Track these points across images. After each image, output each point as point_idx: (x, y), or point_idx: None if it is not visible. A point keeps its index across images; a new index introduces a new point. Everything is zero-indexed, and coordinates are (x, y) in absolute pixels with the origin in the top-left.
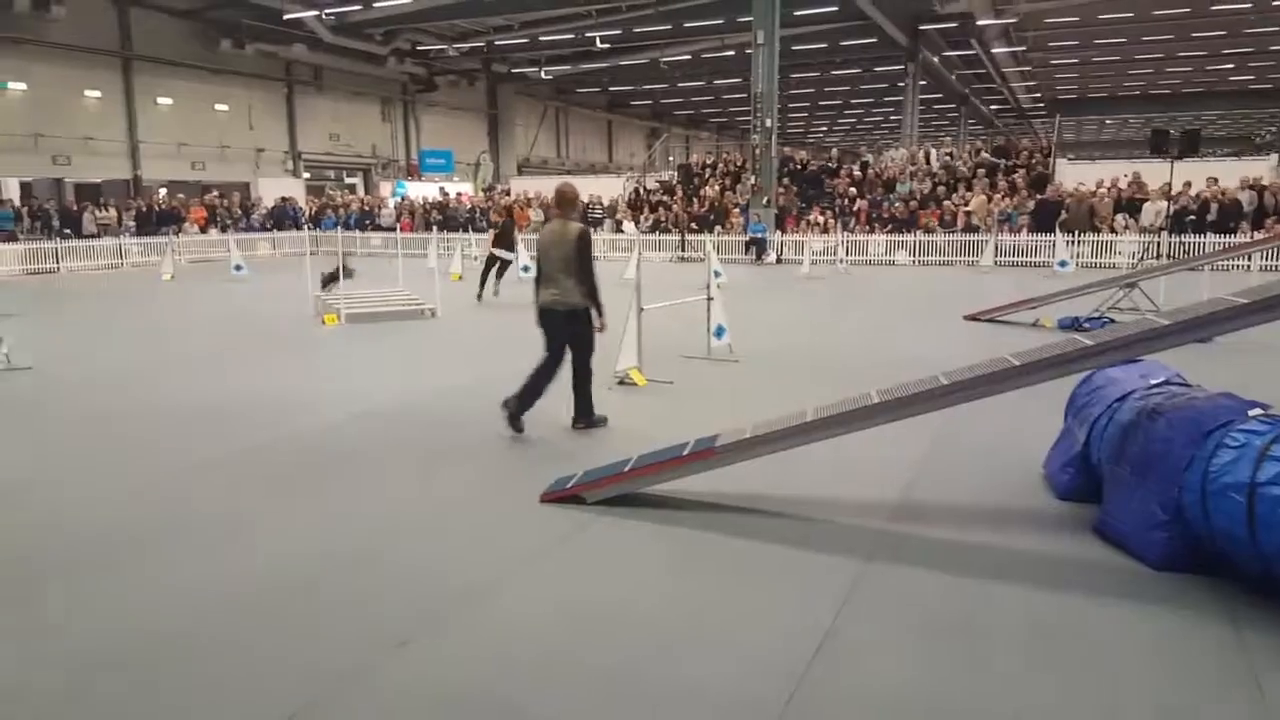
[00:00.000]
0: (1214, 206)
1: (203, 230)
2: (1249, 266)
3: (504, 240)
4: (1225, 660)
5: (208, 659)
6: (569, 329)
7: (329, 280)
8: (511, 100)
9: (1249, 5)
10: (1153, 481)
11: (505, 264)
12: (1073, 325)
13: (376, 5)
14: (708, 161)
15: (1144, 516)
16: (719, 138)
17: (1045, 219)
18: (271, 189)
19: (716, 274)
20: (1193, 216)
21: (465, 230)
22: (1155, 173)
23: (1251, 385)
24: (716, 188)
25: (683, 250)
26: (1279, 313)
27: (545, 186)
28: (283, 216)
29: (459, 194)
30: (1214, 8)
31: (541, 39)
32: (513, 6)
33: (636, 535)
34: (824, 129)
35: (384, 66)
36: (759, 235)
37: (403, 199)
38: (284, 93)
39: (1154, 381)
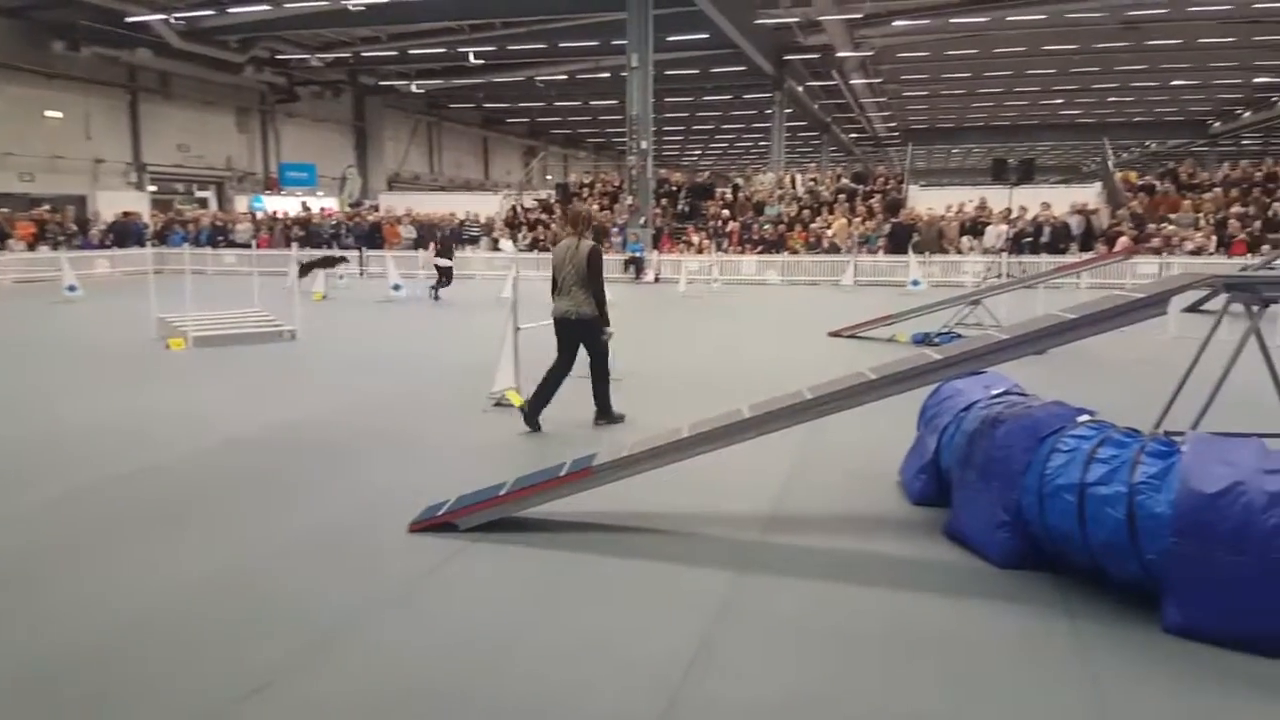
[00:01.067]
0: (1047, 229)
1: (31, 247)
2: (1079, 284)
3: (446, 253)
4: (1063, 651)
5: (41, 718)
6: (580, 337)
7: (311, 267)
8: (380, 113)
9: (1075, 46)
10: (995, 485)
11: (448, 273)
12: (924, 340)
13: (231, 11)
14: (585, 181)
15: (988, 518)
16: (597, 158)
17: (899, 241)
18: (112, 203)
19: None
20: (1029, 238)
21: (330, 247)
22: (997, 198)
23: (1081, 393)
24: (595, 207)
25: None
26: (1104, 326)
27: (417, 203)
28: (125, 233)
29: (323, 209)
30: (1045, 48)
31: (411, 52)
32: (380, 18)
33: (511, 560)
34: (698, 152)
35: (240, 75)
36: (637, 255)
37: (262, 213)
38: (127, 100)
39: (995, 392)
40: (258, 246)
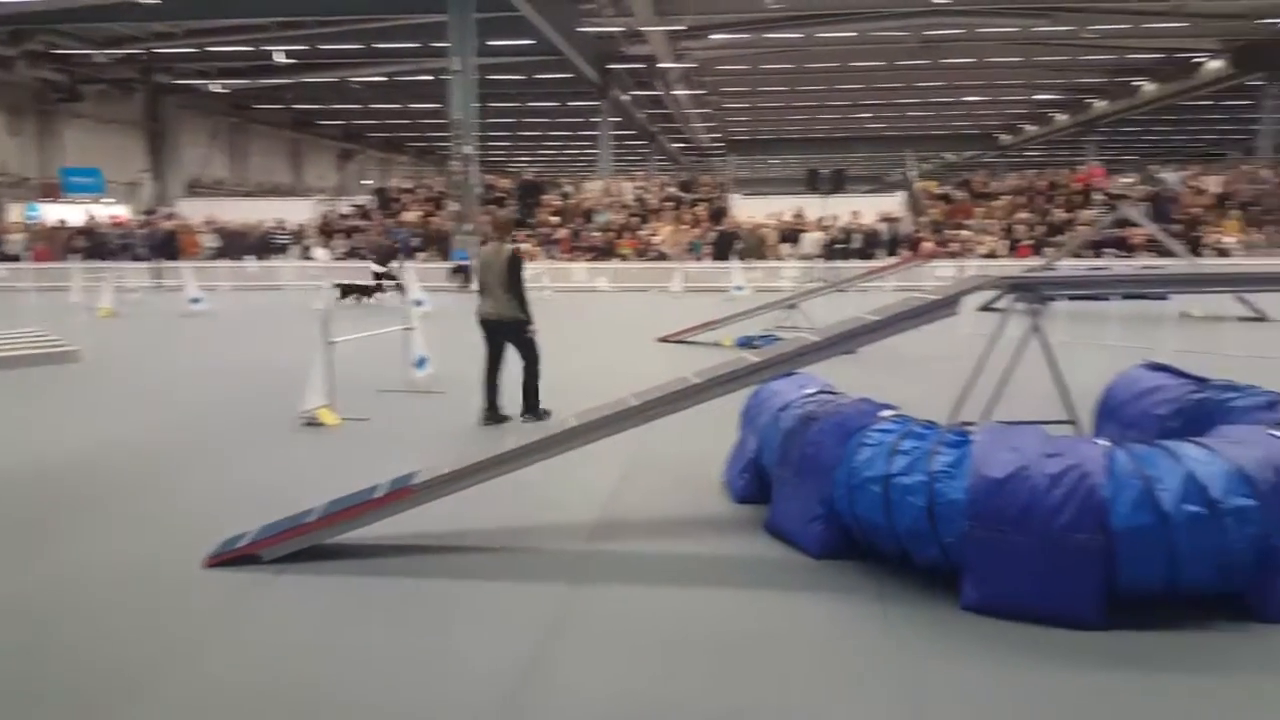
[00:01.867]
0: (858, 236)
1: None
2: (885, 287)
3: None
4: (875, 633)
5: None
6: (505, 336)
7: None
8: (177, 115)
9: (881, 63)
10: (810, 480)
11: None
12: (748, 344)
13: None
14: (407, 187)
15: (804, 512)
16: (419, 163)
17: (723, 248)
18: None
19: (418, 302)
20: (842, 244)
21: (119, 258)
22: (812, 206)
23: (886, 389)
24: (419, 213)
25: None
26: (904, 326)
27: (220, 210)
28: None
29: (113, 217)
30: (853, 64)
31: (212, 49)
32: (176, 12)
33: (320, 590)
34: (526, 158)
35: (12, 71)
36: (464, 262)
37: (38, 223)
38: None
39: (809, 391)
40: (35, 259)
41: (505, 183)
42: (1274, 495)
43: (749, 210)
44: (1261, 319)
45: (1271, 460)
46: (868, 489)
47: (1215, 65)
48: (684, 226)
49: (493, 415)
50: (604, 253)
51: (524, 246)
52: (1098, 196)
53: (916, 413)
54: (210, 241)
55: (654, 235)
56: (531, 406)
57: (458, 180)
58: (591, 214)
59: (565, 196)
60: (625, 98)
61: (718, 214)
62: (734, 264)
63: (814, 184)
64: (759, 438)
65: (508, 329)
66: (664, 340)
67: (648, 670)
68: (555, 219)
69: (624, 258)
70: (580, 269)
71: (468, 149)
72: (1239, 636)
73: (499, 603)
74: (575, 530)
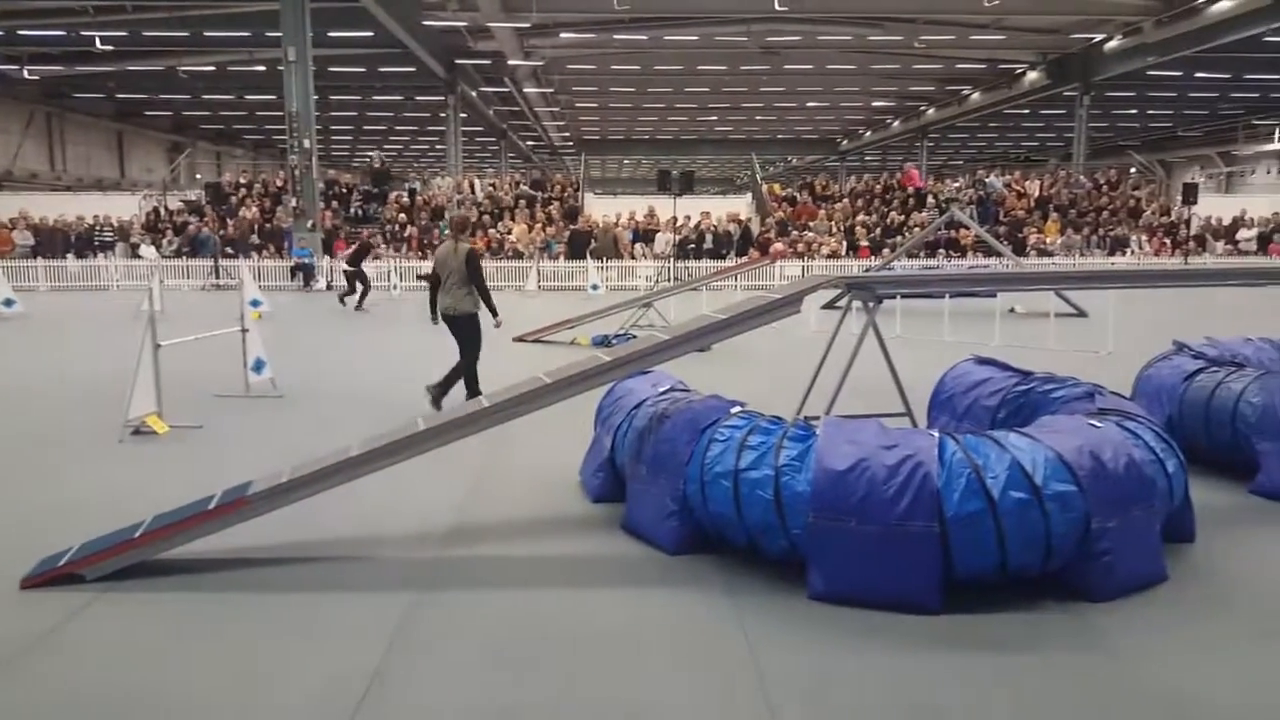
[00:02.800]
0: (709, 236)
1: None
2: (736, 286)
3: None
4: (725, 625)
5: None
6: (458, 329)
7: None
8: None
9: (725, 67)
10: (663, 477)
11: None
12: (603, 342)
13: None
14: (242, 181)
15: (658, 509)
16: (255, 156)
17: (578, 247)
18: None
19: (255, 303)
20: (693, 245)
21: None
22: (664, 207)
23: (738, 386)
24: (255, 209)
25: (217, 277)
26: (750, 324)
27: (35, 205)
28: None
29: None
30: (699, 67)
31: (22, 33)
32: None
33: (150, 608)
34: (372, 153)
35: None
36: (305, 260)
37: None
38: None
39: (662, 389)
40: None
41: (348, 178)
42: (1093, 481)
43: (603, 209)
44: (1081, 315)
45: (1089, 448)
46: (718, 484)
47: (1033, 76)
48: (537, 225)
49: (437, 403)
50: None
51: (376, 239)
52: (930, 199)
53: (765, 408)
54: (23, 239)
55: (508, 234)
56: (439, 396)
57: (298, 174)
58: (442, 211)
59: (413, 194)
60: (474, 94)
61: (572, 213)
62: (589, 263)
63: (664, 184)
64: (613, 436)
65: (462, 323)
66: (520, 340)
67: (500, 676)
68: (403, 216)
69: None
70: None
71: (306, 142)
72: (1063, 616)
73: (342, 615)
74: (426, 537)
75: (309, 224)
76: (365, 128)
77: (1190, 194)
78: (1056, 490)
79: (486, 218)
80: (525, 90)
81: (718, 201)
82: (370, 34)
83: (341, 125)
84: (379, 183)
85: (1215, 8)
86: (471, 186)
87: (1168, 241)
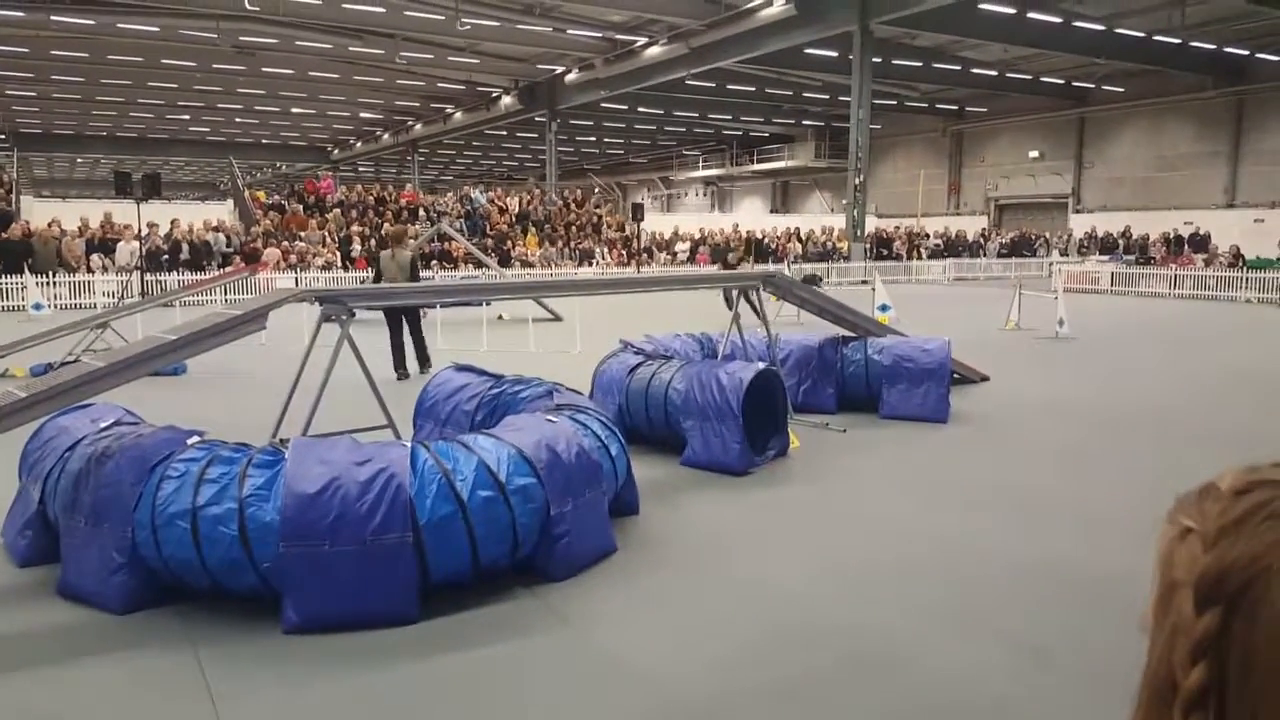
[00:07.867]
0: (186, 246)
1: None
2: (222, 301)
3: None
4: (187, 682)
5: None
6: (403, 313)
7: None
8: None
9: (194, 64)
10: (107, 527)
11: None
12: (44, 372)
13: None
14: None
15: (102, 564)
16: None
17: (13, 260)
18: None
19: None
20: (166, 256)
21: None
22: (127, 213)
23: (217, 412)
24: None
25: None
26: (205, 345)
27: None
28: None
29: None
30: (164, 61)
31: None
32: None
33: None
34: None
35: None
36: None
37: None
38: None
39: (104, 424)
40: None
41: None
42: (550, 471)
43: (49, 215)
44: (557, 319)
45: (545, 441)
46: (174, 525)
47: (508, 100)
48: None
49: (402, 374)
50: None
51: None
52: (422, 212)
53: (241, 433)
54: None
55: None
56: (423, 360)
57: None
58: None
59: None
60: None
61: (4, 219)
62: (29, 278)
63: (124, 188)
64: (43, 485)
65: (405, 310)
66: None
67: None
68: None
69: None
70: None
71: None
72: (532, 599)
73: None
74: None
75: None
76: None
77: (638, 212)
78: (519, 484)
79: None
80: None
81: (195, 208)
82: None
83: None
84: None
85: (647, 53)
86: None
87: (624, 253)
